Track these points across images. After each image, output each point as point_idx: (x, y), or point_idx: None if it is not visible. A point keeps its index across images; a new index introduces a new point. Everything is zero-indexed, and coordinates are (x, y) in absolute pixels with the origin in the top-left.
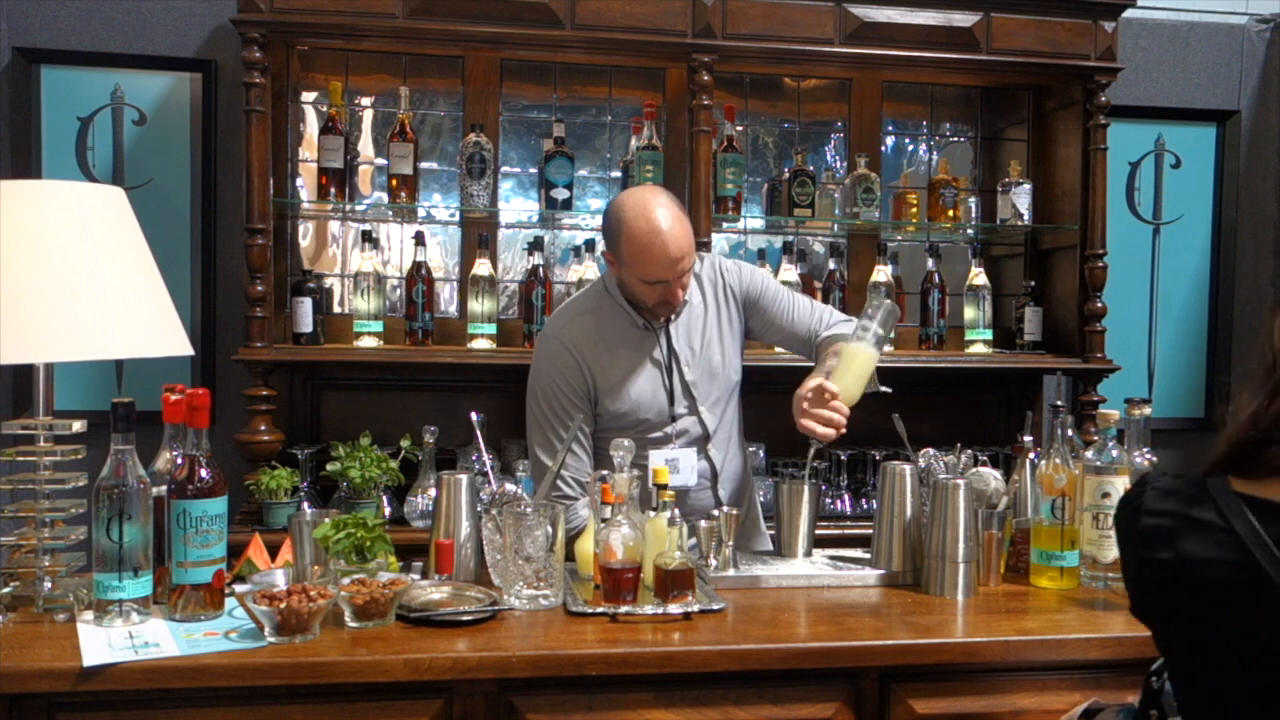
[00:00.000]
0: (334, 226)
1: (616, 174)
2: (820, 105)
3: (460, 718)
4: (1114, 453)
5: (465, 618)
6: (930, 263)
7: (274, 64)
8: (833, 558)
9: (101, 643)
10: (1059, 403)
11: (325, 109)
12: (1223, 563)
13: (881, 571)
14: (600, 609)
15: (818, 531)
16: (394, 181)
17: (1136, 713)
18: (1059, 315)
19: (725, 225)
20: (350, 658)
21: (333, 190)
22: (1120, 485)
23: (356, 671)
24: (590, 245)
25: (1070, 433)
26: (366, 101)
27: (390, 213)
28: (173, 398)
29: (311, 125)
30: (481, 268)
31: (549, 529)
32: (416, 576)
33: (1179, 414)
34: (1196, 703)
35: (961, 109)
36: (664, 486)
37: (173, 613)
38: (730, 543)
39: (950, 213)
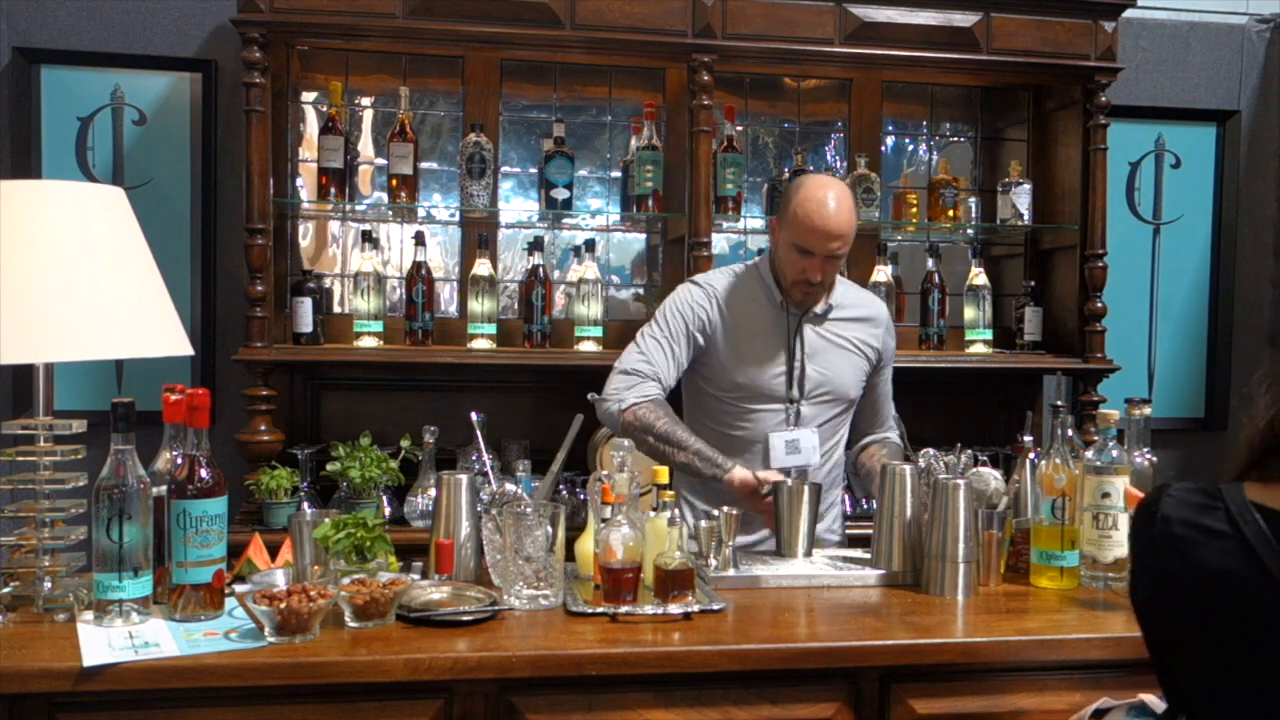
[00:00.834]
0: (334, 226)
1: (616, 174)
2: (820, 105)
3: (460, 718)
4: (1114, 453)
5: (465, 618)
6: (930, 263)
7: (274, 64)
8: (833, 558)
9: (101, 643)
10: (1059, 403)
11: (325, 109)
12: (1235, 572)
13: (881, 571)
14: (600, 609)
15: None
16: (394, 181)
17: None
18: (1059, 315)
19: (725, 225)
20: (350, 658)
21: (333, 190)
22: (1120, 485)
23: (356, 671)
24: (590, 245)
25: (1070, 433)
26: (366, 101)
27: (390, 213)
28: (173, 398)
29: (311, 125)
30: (481, 268)
31: (549, 529)
32: (416, 576)
33: (1179, 414)
34: (1200, 710)
35: (961, 109)
36: (664, 486)
37: (173, 613)
38: (731, 543)
39: (950, 213)
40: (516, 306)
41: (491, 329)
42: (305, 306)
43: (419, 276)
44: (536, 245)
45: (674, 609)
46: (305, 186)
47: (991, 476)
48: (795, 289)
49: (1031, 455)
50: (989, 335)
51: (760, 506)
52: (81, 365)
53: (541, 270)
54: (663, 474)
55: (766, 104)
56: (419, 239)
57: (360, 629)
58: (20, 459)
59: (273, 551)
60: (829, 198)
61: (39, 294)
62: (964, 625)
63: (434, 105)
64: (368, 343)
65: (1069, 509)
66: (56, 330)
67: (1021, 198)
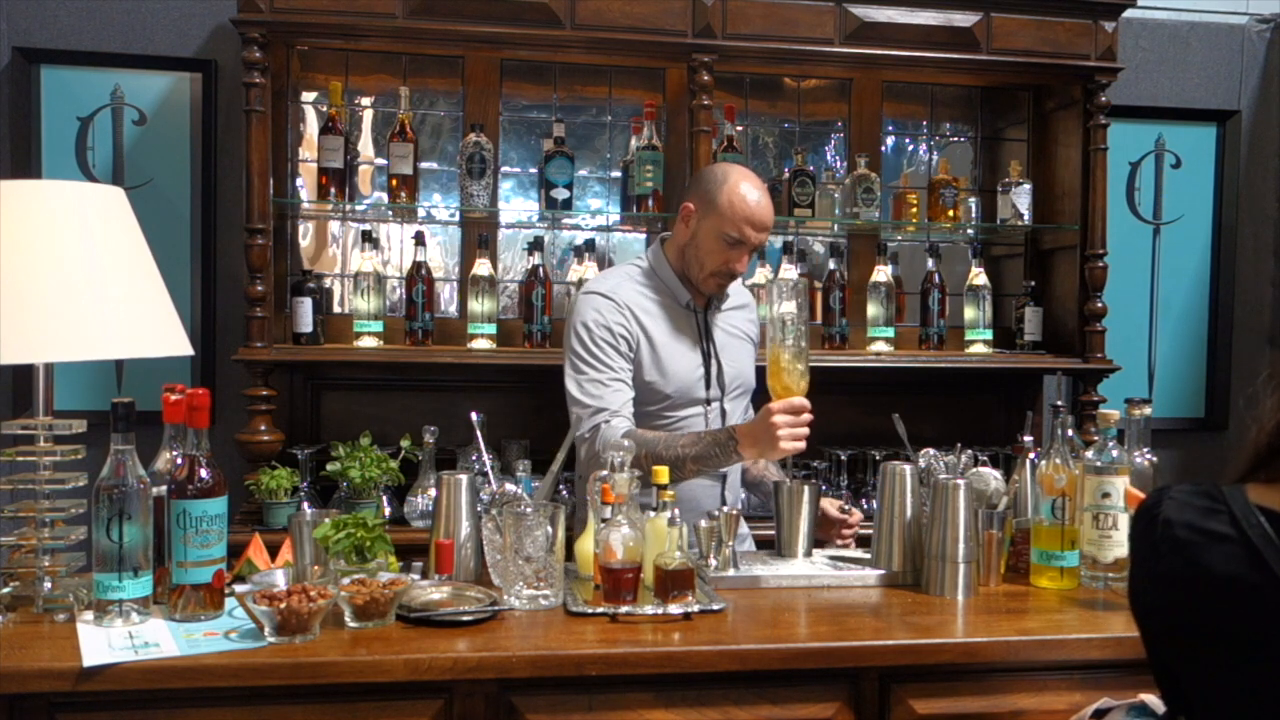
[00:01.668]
0: (334, 226)
1: (616, 174)
2: (820, 105)
3: (460, 718)
4: (1114, 453)
5: (465, 618)
6: (930, 263)
7: (274, 64)
8: (833, 558)
9: (101, 643)
10: (1059, 403)
11: (325, 109)
12: (1239, 575)
13: (881, 571)
14: (600, 609)
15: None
16: (394, 181)
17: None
18: (1059, 315)
19: None
20: (350, 658)
21: (333, 190)
22: (1120, 485)
23: (356, 671)
24: (590, 245)
25: (1070, 433)
26: (366, 101)
27: (390, 213)
28: (173, 398)
29: (311, 125)
30: (481, 268)
31: (549, 529)
32: (416, 576)
33: (1179, 414)
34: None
35: (961, 109)
36: (664, 486)
37: (173, 613)
38: (730, 543)
39: (950, 213)
40: (516, 306)
41: (491, 329)
42: (305, 306)
43: (419, 276)
44: (536, 245)
45: (674, 609)
46: (305, 186)
47: (991, 476)
48: (711, 280)
49: (1031, 455)
50: (989, 335)
51: (784, 431)
52: (81, 365)
53: (541, 270)
54: (662, 474)
55: (766, 104)
56: (419, 239)
57: (360, 629)
58: (20, 459)
59: (273, 551)
60: (755, 186)
61: (39, 294)
62: (964, 625)
63: (434, 105)
64: (368, 343)
65: (1069, 509)
66: (56, 330)
67: (1021, 198)
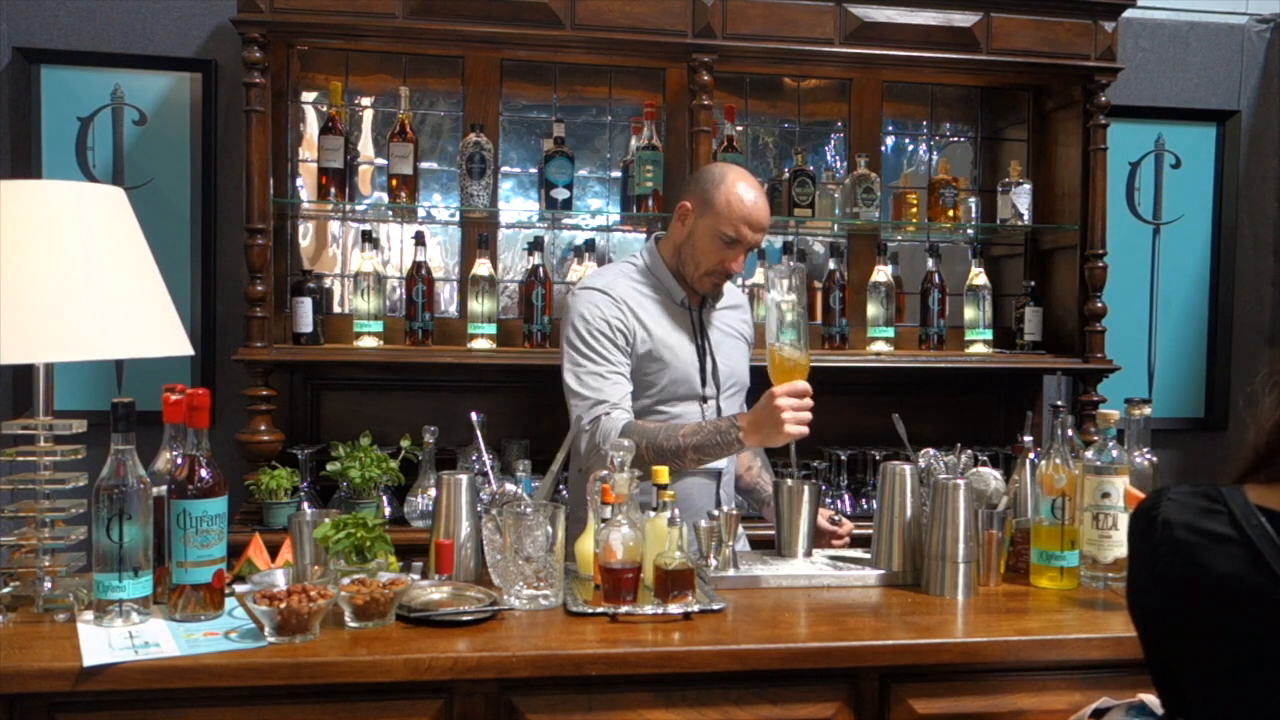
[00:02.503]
0: (334, 226)
1: (616, 174)
2: (820, 105)
3: (460, 718)
4: (1114, 453)
5: (465, 618)
6: (930, 263)
7: (274, 64)
8: (833, 558)
9: (101, 643)
10: (1059, 403)
11: (325, 109)
12: (1240, 576)
13: (881, 571)
14: (600, 609)
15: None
16: (394, 181)
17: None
18: (1059, 315)
19: None
20: (350, 658)
21: (333, 190)
22: (1120, 485)
23: (356, 671)
24: (590, 245)
25: (1070, 433)
26: (366, 101)
27: (390, 213)
28: (173, 398)
29: (311, 125)
30: (481, 268)
31: (549, 529)
32: (416, 576)
33: (1179, 414)
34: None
35: (961, 109)
36: (664, 486)
37: (173, 613)
38: (730, 543)
39: (950, 213)
40: (516, 306)
41: (491, 329)
42: (305, 306)
43: (419, 276)
44: (536, 245)
45: (674, 609)
46: (305, 186)
47: (991, 476)
48: (707, 279)
49: (1031, 455)
50: (989, 335)
51: (788, 415)
52: (81, 365)
53: (541, 270)
54: (662, 474)
55: (766, 104)
56: (419, 239)
57: (360, 629)
58: (20, 459)
59: (273, 551)
60: (752, 186)
61: (39, 294)
62: (964, 625)
63: (434, 105)
64: (368, 343)
65: (1069, 509)
66: (56, 330)
67: (1021, 198)
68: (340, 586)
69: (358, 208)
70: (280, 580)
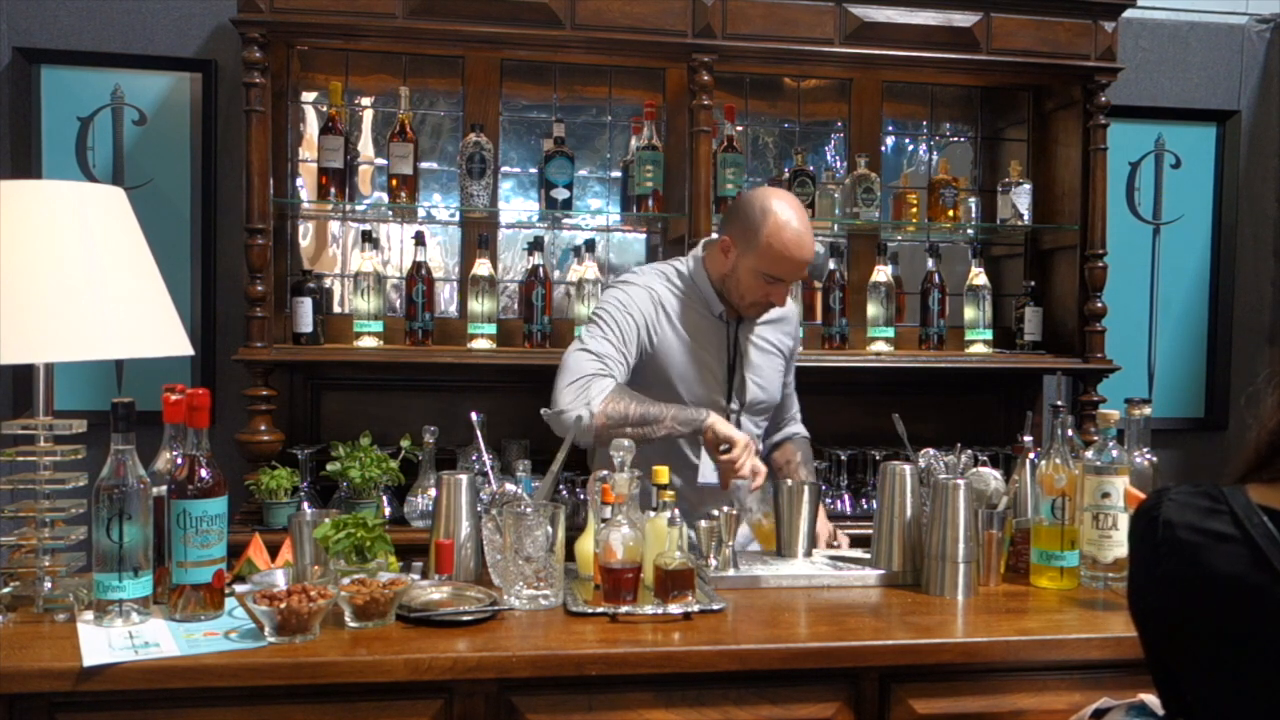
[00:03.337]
0: (334, 226)
1: (616, 174)
2: (820, 105)
3: (460, 718)
4: (1114, 453)
5: (465, 618)
6: (930, 263)
7: (274, 64)
8: (833, 558)
9: (101, 643)
10: (1059, 403)
11: (325, 109)
12: (1243, 575)
13: (881, 571)
14: (600, 609)
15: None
16: (394, 181)
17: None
18: (1059, 315)
19: None
20: (350, 658)
21: (333, 190)
22: (1120, 485)
23: (356, 671)
24: (590, 245)
25: (1070, 433)
26: (366, 101)
27: (390, 213)
28: (173, 398)
29: (311, 125)
30: (481, 268)
31: (549, 529)
32: (416, 576)
33: (1179, 414)
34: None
35: (961, 109)
36: (664, 486)
37: (173, 613)
38: (730, 543)
39: (950, 213)
40: (516, 306)
41: (491, 329)
42: (305, 306)
43: (419, 276)
44: (536, 245)
45: (674, 609)
46: (305, 186)
47: (991, 476)
48: (751, 309)
49: (1031, 455)
50: (989, 335)
51: (719, 460)
52: (81, 365)
53: (541, 270)
54: (663, 474)
55: (766, 104)
56: (419, 239)
57: (360, 629)
58: (20, 459)
59: (273, 551)
60: (801, 225)
61: (39, 294)
62: (964, 625)
63: (434, 105)
64: (368, 343)
65: (1069, 509)
66: (56, 330)
67: (1021, 198)
68: (340, 586)
69: (358, 208)
70: (280, 580)
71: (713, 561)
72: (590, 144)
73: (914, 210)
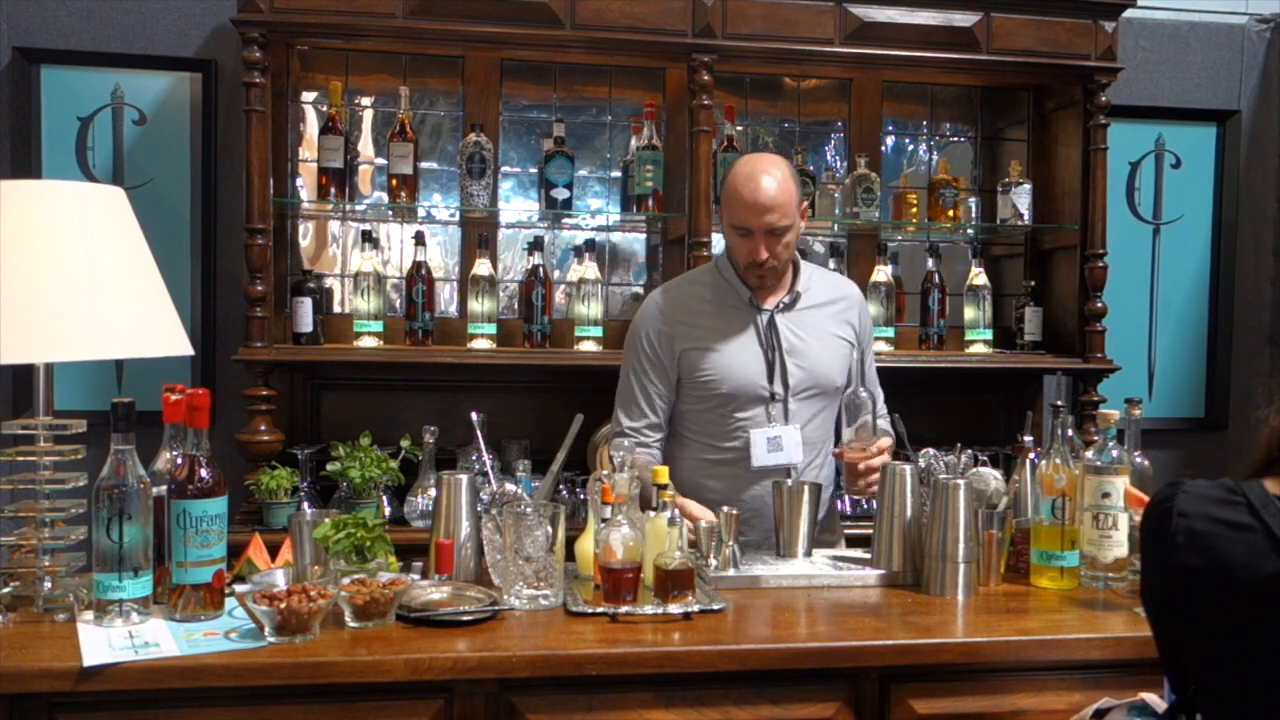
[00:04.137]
0: (334, 226)
1: (616, 174)
2: (820, 105)
3: (460, 718)
4: (1114, 453)
5: (465, 618)
6: (930, 263)
7: (274, 64)
8: (833, 558)
9: (101, 643)
10: (1059, 403)
11: (325, 109)
12: (1258, 564)
13: (881, 571)
14: (600, 609)
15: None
16: (394, 181)
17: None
18: (1059, 315)
19: None
20: (350, 658)
21: (333, 190)
22: (1120, 485)
23: (356, 671)
24: (590, 245)
25: (1070, 433)
26: (366, 101)
27: (390, 213)
28: (173, 398)
29: (311, 125)
30: (481, 268)
31: (549, 529)
32: (416, 576)
33: (1179, 414)
34: (1216, 709)
35: (961, 109)
36: (664, 486)
37: (173, 613)
38: (731, 543)
39: (950, 213)
40: (516, 306)
41: (491, 329)
42: (305, 306)
43: (419, 276)
44: (536, 245)
45: (674, 609)
46: (305, 186)
47: (991, 476)
48: (750, 273)
49: (1031, 455)
50: (989, 335)
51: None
52: (81, 365)
53: (541, 270)
54: (663, 474)
55: (766, 104)
56: (419, 239)
57: (360, 629)
58: (20, 459)
59: (273, 551)
60: (756, 171)
61: (39, 294)
62: (964, 625)
63: (434, 105)
64: (368, 343)
65: (1069, 509)
66: (56, 330)
67: (1021, 198)
68: (340, 586)
69: (358, 208)
70: (280, 580)
71: (713, 561)
72: (590, 144)
73: (914, 210)
